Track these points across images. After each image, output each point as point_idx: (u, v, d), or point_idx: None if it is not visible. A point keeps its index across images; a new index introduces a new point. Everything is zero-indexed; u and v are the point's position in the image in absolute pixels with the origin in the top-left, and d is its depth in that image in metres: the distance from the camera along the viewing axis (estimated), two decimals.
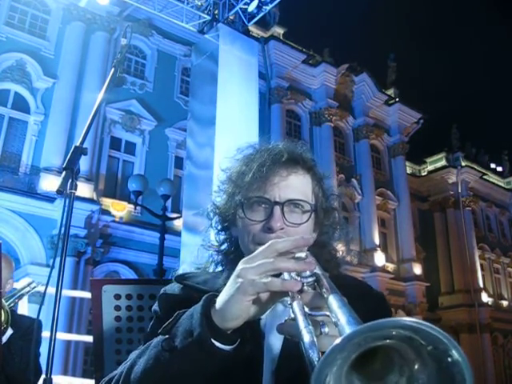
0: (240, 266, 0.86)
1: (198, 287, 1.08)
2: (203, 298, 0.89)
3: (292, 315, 0.78)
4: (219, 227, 1.19)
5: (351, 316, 0.68)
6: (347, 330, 0.65)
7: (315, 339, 0.70)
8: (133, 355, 0.98)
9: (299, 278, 0.84)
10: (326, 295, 0.79)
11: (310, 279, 0.84)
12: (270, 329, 1.02)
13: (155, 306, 1.12)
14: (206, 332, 0.84)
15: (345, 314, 0.69)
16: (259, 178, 1.08)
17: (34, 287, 2.80)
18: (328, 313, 0.75)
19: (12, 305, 2.64)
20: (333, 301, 0.74)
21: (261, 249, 0.86)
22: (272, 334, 1.01)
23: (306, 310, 0.77)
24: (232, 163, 1.17)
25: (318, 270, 0.85)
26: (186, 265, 1.23)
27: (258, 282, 0.81)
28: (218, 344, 0.84)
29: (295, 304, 0.78)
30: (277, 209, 1.06)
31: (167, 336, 0.89)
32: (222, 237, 1.19)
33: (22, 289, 2.76)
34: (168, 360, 0.87)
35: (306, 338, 0.70)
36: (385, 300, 1.18)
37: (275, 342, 1.01)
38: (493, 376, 22.79)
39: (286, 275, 0.85)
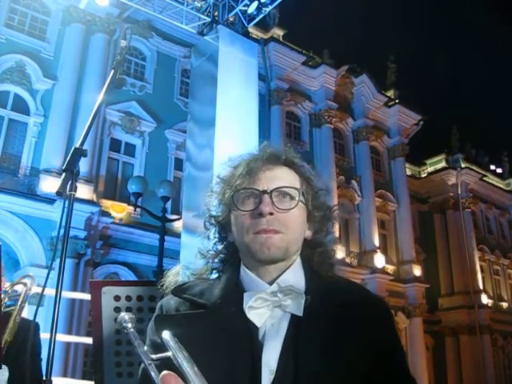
0: None
1: (195, 300, 1.09)
2: None
3: None
4: (216, 235, 1.20)
5: None
6: None
7: None
8: None
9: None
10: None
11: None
12: (268, 337, 1.03)
13: (152, 327, 1.09)
14: None
15: None
16: (247, 174, 1.13)
17: (31, 288, 2.77)
18: None
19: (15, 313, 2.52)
20: None
21: None
22: (270, 342, 1.02)
23: None
24: (225, 171, 1.21)
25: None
26: (180, 266, 1.24)
27: None
28: None
29: None
30: (265, 196, 1.09)
31: None
32: (219, 245, 1.20)
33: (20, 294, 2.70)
34: None
35: None
36: (387, 308, 1.15)
37: (273, 351, 1.02)
38: (493, 377, 22.77)
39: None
